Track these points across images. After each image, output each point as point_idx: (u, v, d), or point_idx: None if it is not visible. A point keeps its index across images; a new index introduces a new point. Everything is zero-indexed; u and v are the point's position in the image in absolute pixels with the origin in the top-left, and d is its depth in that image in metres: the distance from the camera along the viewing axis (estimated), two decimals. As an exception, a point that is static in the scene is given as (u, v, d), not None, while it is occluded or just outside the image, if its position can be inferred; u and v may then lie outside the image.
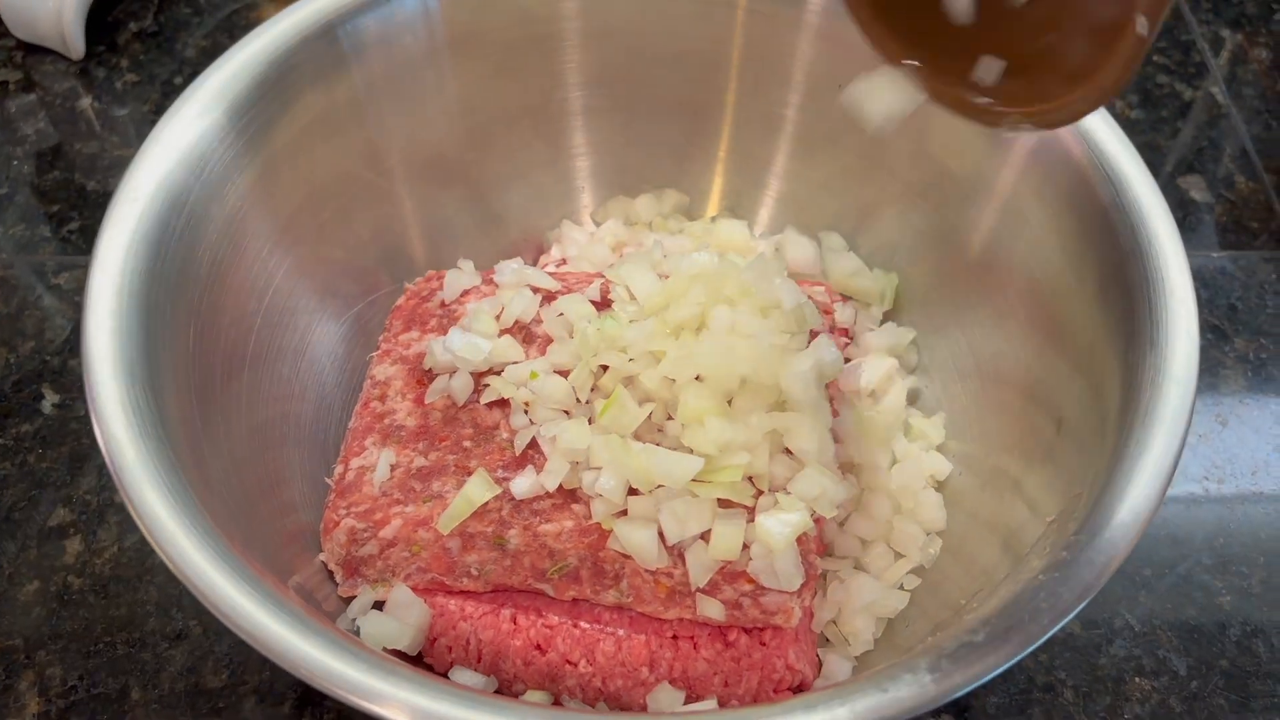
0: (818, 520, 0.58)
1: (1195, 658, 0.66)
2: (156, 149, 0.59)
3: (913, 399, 0.71)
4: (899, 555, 0.64)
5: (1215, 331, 0.80)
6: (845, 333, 0.72)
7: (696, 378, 0.59)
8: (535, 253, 0.79)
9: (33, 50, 0.95)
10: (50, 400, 0.75)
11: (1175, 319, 0.54)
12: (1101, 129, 0.60)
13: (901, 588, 0.63)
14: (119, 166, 0.88)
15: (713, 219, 0.79)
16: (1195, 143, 0.91)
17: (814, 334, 0.62)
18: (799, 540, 0.56)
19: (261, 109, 0.63)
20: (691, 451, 0.57)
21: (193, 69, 0.94)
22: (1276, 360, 0.78)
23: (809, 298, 0.64)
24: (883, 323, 0.73)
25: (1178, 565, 0.69)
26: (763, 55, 0.73)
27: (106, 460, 0.49)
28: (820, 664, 0.59)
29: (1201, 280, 0.82)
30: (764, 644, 0.57)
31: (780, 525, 0.55)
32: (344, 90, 0.67)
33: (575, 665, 0.57)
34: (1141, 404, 0.51)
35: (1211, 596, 0.68)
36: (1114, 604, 0.68)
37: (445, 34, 0.69)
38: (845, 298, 0.73)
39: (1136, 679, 0.65)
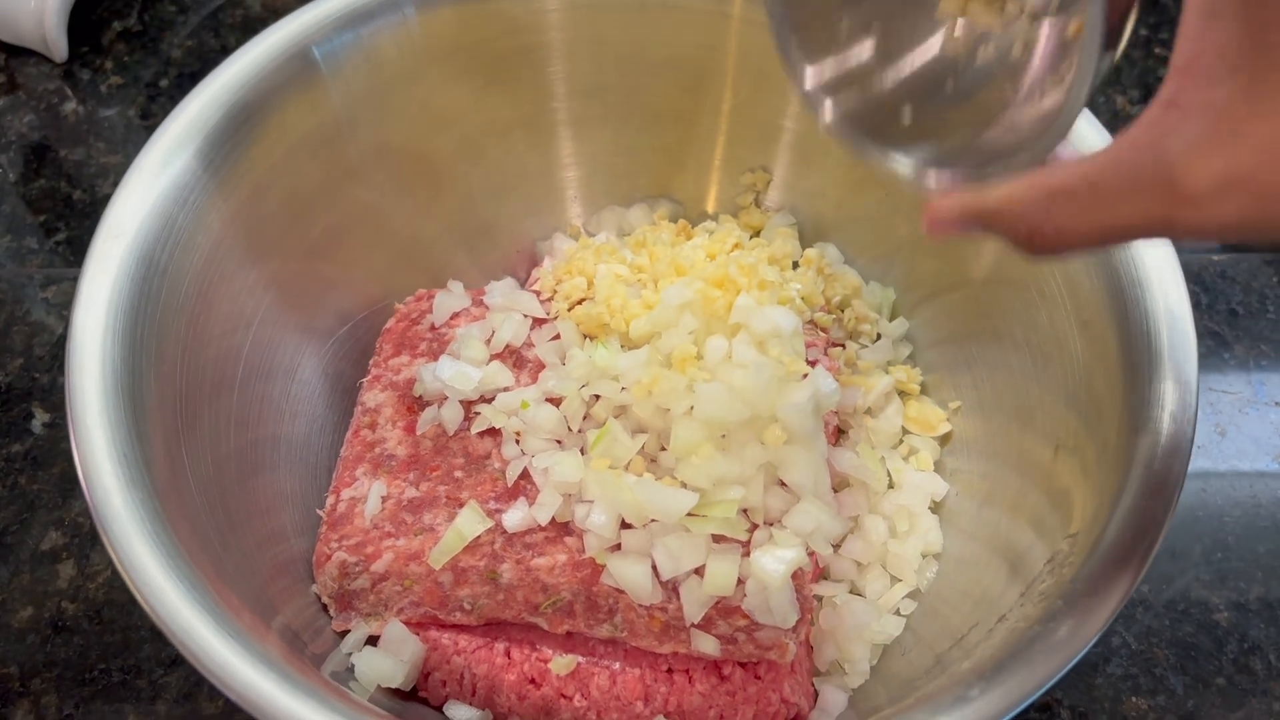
0: (812, 554, 0.58)
1: (1192, 675, 0.66)
2: (137, 181, 0.58)
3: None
4: (895, 579, 0.64)
5: (1215, 338, 0.79)
6: (840, 346, 0.71)
7: (690, 408, 0.58)
8: (528, 265, 0.78)
9: (15, 52, 0.94)
10: (40, 419, 0.75)
11: (1173, 350, 0.53)
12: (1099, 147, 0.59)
13: (898, 613, 0.63)
14: (105, 173, 0.87)
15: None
16: (1197, 139, 0.89)
17: (811, 363, 0.61)
18: (794, 575, 0.55)
19: (242, 135, 0.62)
20: (684, 485, 0.57)
21: (178, 70, 0.93)
22: (1277, 367, 0.77)
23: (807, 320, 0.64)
24: (878, 338, 0.72)
25: (1175, 581, 0.69)
26: (759, 65, 0.71)
27: (93, 512, 0.49)
28: (816, 695, 0.59)
29: (1201, 284, 0.81)
30: (759, 677, 0.57)
31: (775, 562, 0.54)
32: (325, 111, 0.65)
33: (570, 699, 0.57)
34: (1138, 446, 0.51)
35: (1209, 613, 0.68)
36: (1112, 622, 0.67)
37: (427, 48, 0.68)
38: (841, 312, 0.72)
39: (1133, 698, 0.65)
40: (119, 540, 0.48)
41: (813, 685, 0.60)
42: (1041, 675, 0.45)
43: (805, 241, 0.75)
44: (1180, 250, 0.67)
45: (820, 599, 0.62)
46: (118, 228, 0.57)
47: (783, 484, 0.58)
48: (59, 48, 0.92)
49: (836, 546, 0.64)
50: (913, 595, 0.63)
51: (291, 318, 0.68)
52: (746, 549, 0.56)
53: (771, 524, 0.57)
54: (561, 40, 0.71)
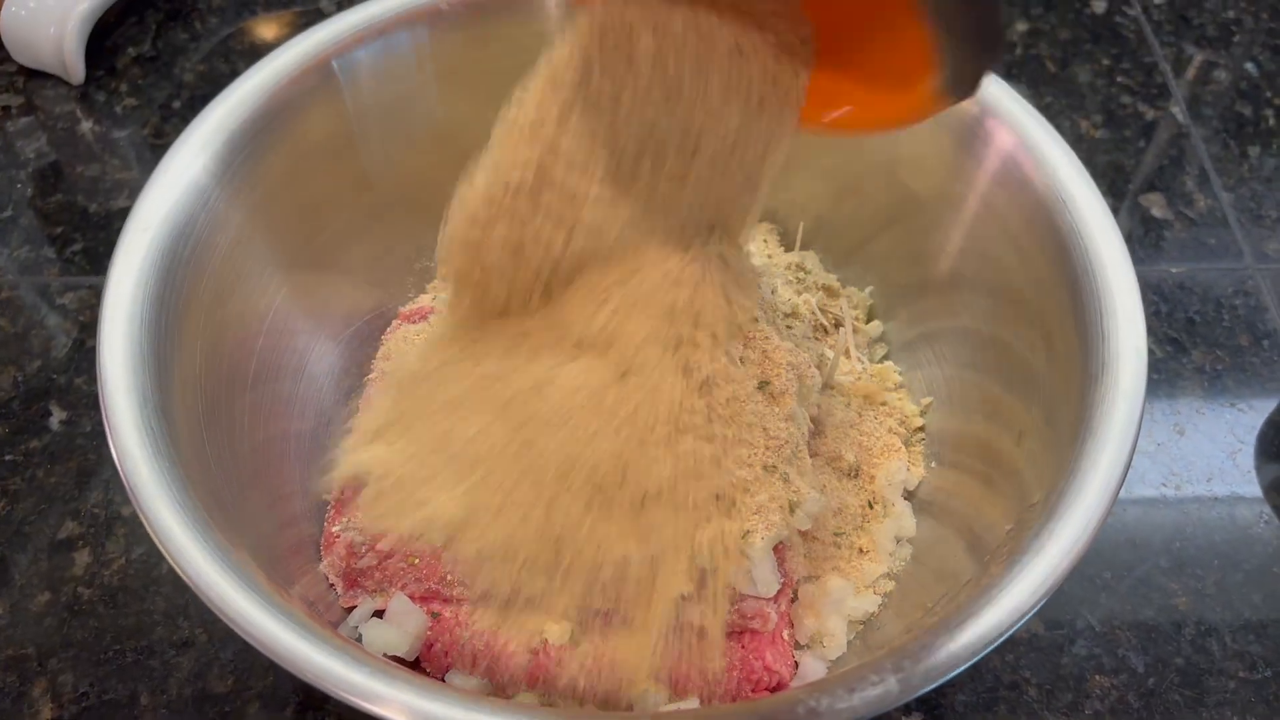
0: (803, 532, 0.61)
1: (1152, 656, 0.70)
2: (163, 180, 0.62)
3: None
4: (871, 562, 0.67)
5: (1174, 344, 0.83)
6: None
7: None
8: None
9: (33, 75, 0.98)
10: (57, 417, 0.78)
11: (1124, 339, 0.57)
12: (1060, 159, 0.64)
13: (873, 592, 0.66)
14: (119, 189, 0.91)
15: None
16: (1157, 161, 0.95)
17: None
18: (776, 549, 0.59)
19: (260, 140, 0.66)
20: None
21: (190, 93, 0.97)
22: (1231, 372, 0.82)
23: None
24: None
25: (1136, 568, 0.73)
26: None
27: (123, 479, 0.53)
28: (797, 665, 0.63)
29: (1161, 295, 0.86)
30: (743, 646, 0.60)
31: (759, 536, 0.58)
32: (338, 121, 0.70)
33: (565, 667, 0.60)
34: (1093, 420, 0.55)
35: (1168, 598, 0.72)
36: (1076, 606, 0.71)
37: (435, 66, 0.72)
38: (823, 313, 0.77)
39: (1097, 676, 0.69)
40: (147, 504, 0.52)
41: (794, 656, 0.63)
42: (1002, 621, 0.48)
43: (786, 248, 0.80)
44: (1141, 264, 0.71)
45: (800, 581, 0.66)
46: (144, 221, 0.60)
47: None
48: (76, 71, 0.97)
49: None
50: (888, 575, 0.67)
51: (302, 319, 0.72)
52: (731, 524, 0.60)
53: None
54: (559, 60, 0.76)
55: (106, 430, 0.54)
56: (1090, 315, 0.59)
